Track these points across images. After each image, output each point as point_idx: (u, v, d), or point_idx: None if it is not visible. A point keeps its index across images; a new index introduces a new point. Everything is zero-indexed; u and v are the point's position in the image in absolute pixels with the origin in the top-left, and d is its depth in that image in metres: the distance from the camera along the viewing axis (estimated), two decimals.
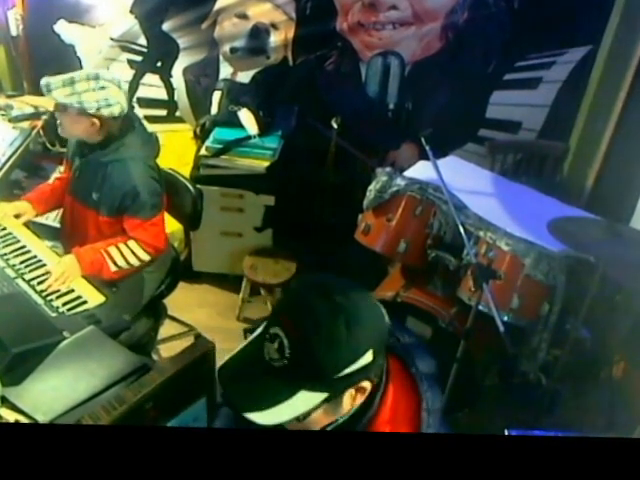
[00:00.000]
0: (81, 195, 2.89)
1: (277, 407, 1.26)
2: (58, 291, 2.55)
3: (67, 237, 3.02)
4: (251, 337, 1.40)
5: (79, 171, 2.90)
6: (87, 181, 2.85)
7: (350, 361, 1.27)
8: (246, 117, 4.16)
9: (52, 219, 3.45)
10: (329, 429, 1.38)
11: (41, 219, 3.37)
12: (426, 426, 1.37)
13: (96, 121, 2.71)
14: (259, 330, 1.37)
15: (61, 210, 3.19)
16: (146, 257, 2.85)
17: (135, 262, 2.82)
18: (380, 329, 1.34)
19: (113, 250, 2.78)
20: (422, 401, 1.40)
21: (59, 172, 3.13)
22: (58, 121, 2.78)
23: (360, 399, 1.36)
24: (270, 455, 0.99)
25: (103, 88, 2.67)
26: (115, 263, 2.77)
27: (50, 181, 3.15)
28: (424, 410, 1.39)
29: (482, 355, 3.05)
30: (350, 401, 1.34)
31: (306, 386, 1.27)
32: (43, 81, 2.67)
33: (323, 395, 1.28)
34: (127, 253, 2.79)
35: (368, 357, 1.29)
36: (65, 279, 2.60)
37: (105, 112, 2.69)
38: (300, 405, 1.27)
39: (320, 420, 1.35)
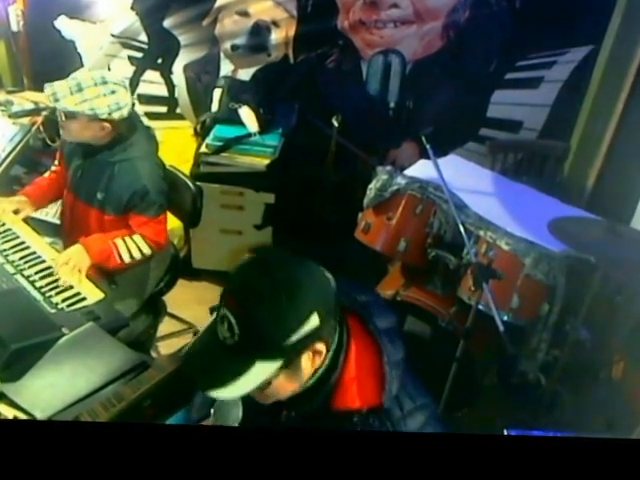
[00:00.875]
0: (85, 194, 2.88)
1: (237, 381, 1.34)
2: (57, 287, 2.53)
3: (67, 234, 3.01)
4: (208, 323, 1.47)
5: (82, 170, 2.88)
6: (92, 181, 2.84)
7: (295, 327, 1.34)
8: (246, 115, 4.15)
9: (51, 215, 3.45)
10: (299, 392, 1.46)
11: (40, 215, 3.36)
12: (390, 378, 1.44)
13: (107, 125, 2.69)
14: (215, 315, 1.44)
15: (59, 208, 3.18)
16: (149, 251, 2.86)
17: (138, 256, 2.82)
18: (324, 293, 1.40)
19: (120, 242, 2.79)
20: (383, 355, 1.46)
21: (54, 165, 3.12)
22: (63, 127, 2.75)
23: (318, 361, 1.43)
24: (266, 453, 0.99)
25: (113, 92, 2.66)
26: (120, 255, 2.78)
27: (46, 175, 3.13)
28: (386, 363, 1.45)
29: (482, 355, 3.04)
30: (309, 365, 1.42)
31: (260, 357, 1.35)
32: (48, 90, 2.63)
33: (278, 363, 1.36)
34: (132, 246, 2.80)
35: (314, 321, 1.35)
36: (78, 270, 2.60)
37: (116, 116, 2.68)
38: (258, 376, 1.35)
39: (284, 386, 1.43)
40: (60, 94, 2.62)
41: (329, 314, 1.40)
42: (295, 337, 1.34)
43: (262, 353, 1.35)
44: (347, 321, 1.50)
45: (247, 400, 1.49)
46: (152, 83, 4.60)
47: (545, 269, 2.84)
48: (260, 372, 1.36)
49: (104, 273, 2.81)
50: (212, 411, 1.49)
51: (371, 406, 1.44)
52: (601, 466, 0.97)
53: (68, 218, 3.00)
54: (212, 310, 1.78)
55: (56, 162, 3.11)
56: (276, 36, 4.38)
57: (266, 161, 4.00)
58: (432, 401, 1.55)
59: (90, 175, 2.85)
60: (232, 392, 1.36)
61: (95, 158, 2.81)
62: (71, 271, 2.58)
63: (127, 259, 2.80)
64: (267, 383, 1.38)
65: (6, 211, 2.90)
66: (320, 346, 1.40)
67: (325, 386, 1.45)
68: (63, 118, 2.69)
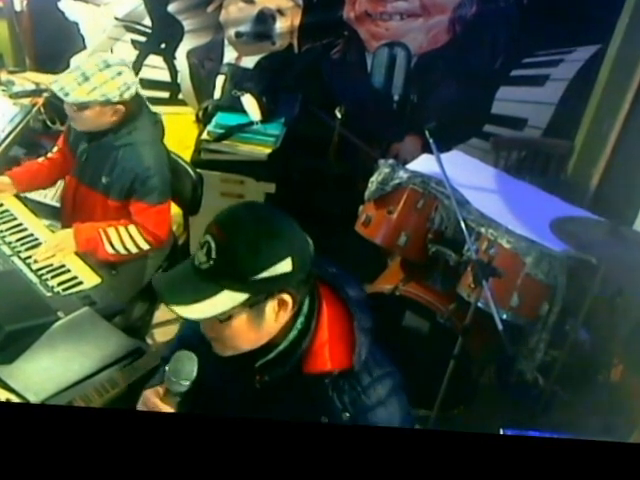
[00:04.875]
0: (88, 179, 2.85)
1: (201, 303, 1.41)
2: (54, 270, 2.52)
3: (67, 219, 2.97)
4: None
5: (87, 155, 2.85)
6: (96, 165, 2.81)
7: (267, 264, 1.41)
8: (249, 103, 4.13)
9: (50, 198, 3.42)
10: (271, 357, 1.53)
11: (39, 197, 3.34)
12: (360, 342, 1.51)
13: (120, 107, 2.68)
14: None
15: (58, 190, 3.15)
16: (145, 245, 2.80)
17: (133, 248, 2.77)
18: (301, 245, 1.48)
19: (112, 231, 2.74)
20: (354, 320, 1.54)
21: (51, 151, 3.08)
22: (74, 119, 2.72)
23: (283, 315, 1.49)
24: (260, 442, 1.00)
25: (120, 74, 2.64)
26: (112, 245, 2.73)
27: (40, 160, 3.09)
28: (357, 328, 1.53)
29: (480, 352, 3.03)
30: (273, 316, 1.47)
31: (228, 285, 1.41)
32: (55, 86, 2.60)
33: (244, 296, 1.42)
34: (125, 237, 2.75)
35: (287, 265, 1.42)
36: (57, 252, 2.58)
37: (127, 96, 2.67)
38: (222, 303, 1.42)
39: (244, 332, 1.48)
40: (68, 87, 2.59)
41: (302, 268, 1.45)
42: (265, 274, 1.40)
43: (231, 281, 1.41)
44: (319, 289, 1.57)
45: (220, 367, 1.56)
46: (155, 68, 4.58)
47: (546, 269, 2.82)
48: (225, 300, 1.41)
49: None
50: (167, 367, 1.53)
51: (342, 368, 1.51)
52: (597, 469, 0.97)
53: (70, 203, 2.97)
54: None
55: (54, 149, 3.08)
56: (281, 25, 4.36)
57: (268, 150, 3.99)
58: (397, 370, 1.61)
59: (94, 159, 2.82)
60: (194, 312, 1.42)
61: (100, 142, 2.79)
62: (51, 250, 2.57)
63: (121, 250, 2.75)
64: (229, 316, 1.44)
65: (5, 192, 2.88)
66: (287, 297, 1.46)
67: (298, 350, 1.52)
68: (74, 109, 2.66)
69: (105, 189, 2.80)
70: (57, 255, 2.59)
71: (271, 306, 1.46)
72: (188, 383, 1.49)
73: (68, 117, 2.81)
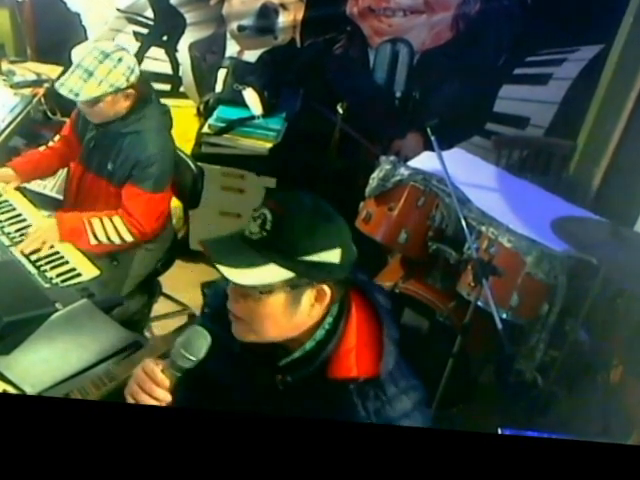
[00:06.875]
0: (95, 166, 2.85)
1: (247, 270, 1.41)
2: (52, 261, 2.51)
3: (71, 208, 2.96)
4: None
5: (94, 142, 2.85)
6: (103, 152, 2.82)
7: (318, 249, 1.41)
8: (251, 97, 4.13)
9: (49, 189, 3.41)
10: (296, 356, 1.50)
11: (39, 188, 3.33)
12: (388, 351, 1.48)
13: (130, 91, 2.70)
14: None
15: (58, 181, 3.13)
16: (129, 237, 2.77)
17: (116, 239, 2.74)
18: (350, 245, 1.48)
19: (96, 222, 2.71)
20: (384, 327, 1.51)
21: (53, 140, 3.08)
22: (89, 114, 2.74)
23: (317, 309, 1.47)
24: (257, 438, 1.00)
25: (120, 60, 2.65)
26: (95, 236, 2.70)
27: (41, 149, 3.08)
28: (386, 336, 1.50)
29: (479, 351, 3.04)
30: (308, 305, 1.46)
31: (277, 260, 1.41)
32: (64, 90, 2.61)
33: (289, 274, 1.41)
34: (109, 228, 2.72)
35: (336, 256, 1.43)
36: (40, 244, 2.56)
37: (133, 78, 2.68)
38: (268, 275, 1.41)
39: (278, 314, 1.45)
40: (76, 88, 2.60)
41: (346, 265, 1.45)
42: (314, 257, 1.41)
43: (281, 256, 1.41)
44: (349, 293, 1.54)
45: (238, 364, 1.55)
46: (156, 60, 4.57)
47: (546, 268, 2.81)
48: (271, 273, 1.41)
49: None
50: (178, 339, 1.46)
51: (368, 376, 1.47)
52: (595, 470, 0.97)
53: (73, 191, 2.96)
54: (203, 286, 1.72)
55: (57, 138, 3.07)
56: (284, 19, 4.35)
57: (268, 145, 3.99)
58: (422, 385, 1.57)
59: (102, 146, 2.83)
60: (239, 276, 1.41)
61: (108, 129, 2.79)
62: (34, 242, 2.55)
63: (104, 241, 2.72)
64: (268, 291, 1.42)
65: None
66: (327, 289, 1.45)
67: (323, 351, 1.49)
68: (88, 105, 2.68)
69: (110, 175, 2.81)
70: (42, 247, 2.56)
71: (309, 295, 1.45)
72: (194, 360, 1.42)
73: (76, 106, 2.82)
